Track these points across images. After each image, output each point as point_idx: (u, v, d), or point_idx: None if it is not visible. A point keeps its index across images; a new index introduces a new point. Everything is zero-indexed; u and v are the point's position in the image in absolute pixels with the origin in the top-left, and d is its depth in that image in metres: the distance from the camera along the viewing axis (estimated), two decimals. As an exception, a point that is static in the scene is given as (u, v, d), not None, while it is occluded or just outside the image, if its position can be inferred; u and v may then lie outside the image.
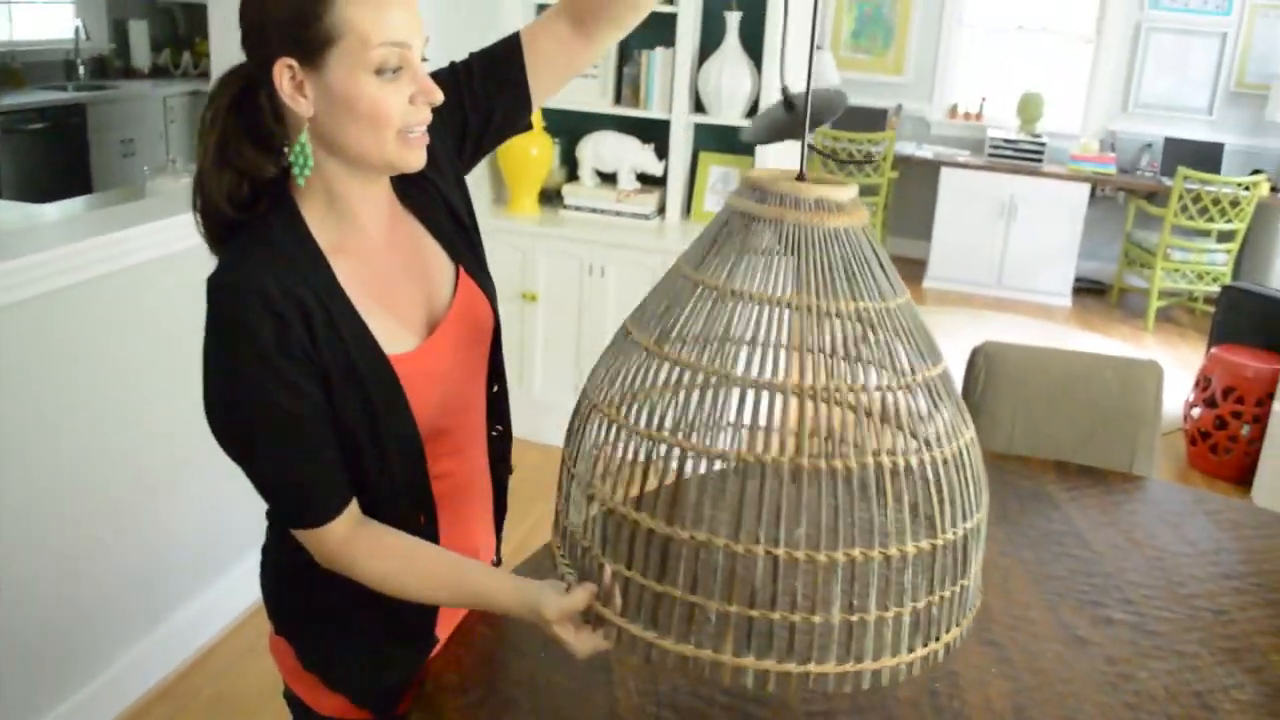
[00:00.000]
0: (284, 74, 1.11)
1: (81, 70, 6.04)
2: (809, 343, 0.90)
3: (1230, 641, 1.49)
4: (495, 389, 1.39)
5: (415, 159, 1.18)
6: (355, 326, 1.17)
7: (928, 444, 0.93)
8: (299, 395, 1.12)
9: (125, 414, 2.41)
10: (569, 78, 1.40)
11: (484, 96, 1.35)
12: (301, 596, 1.32)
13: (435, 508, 1.30)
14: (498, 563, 1.51)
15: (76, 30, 6.05)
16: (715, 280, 0.95)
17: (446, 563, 1.20)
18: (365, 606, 1.23)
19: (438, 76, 1.27)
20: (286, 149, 1.17)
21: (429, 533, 1.28)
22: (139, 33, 6.42)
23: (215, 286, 1.12)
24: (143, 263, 2.38)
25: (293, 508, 1.17)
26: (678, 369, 0.95)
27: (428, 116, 1.17)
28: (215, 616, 2.79)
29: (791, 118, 1.13)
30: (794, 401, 0.90)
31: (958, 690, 1.34)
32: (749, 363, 0.92)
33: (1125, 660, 1.43)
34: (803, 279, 0.91)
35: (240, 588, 2.85)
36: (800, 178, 0.98)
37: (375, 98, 1.11)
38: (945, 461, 0.93)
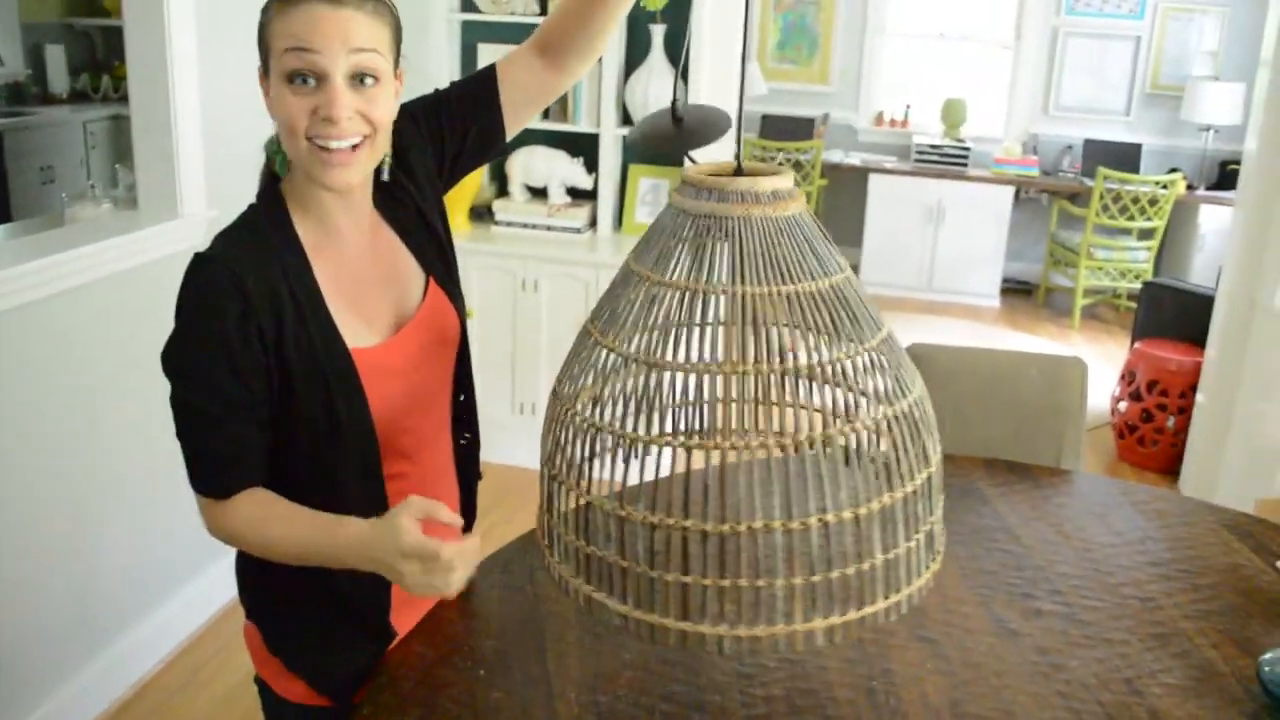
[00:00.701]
0: (261, 81, 1.23)
1: (-4, 97, 5.90)
2: (804, 324, 0.98)
3: (1157, 627, 1.53)
4: (462, 398, 1.47)
5: (330, 177, 1.21)
6: (323, 319, 1.25)
7: (908, 391, 1.02)
8: (238, 382, 1.19)
9: (45, 449, 2.35)
10: (542, 105, 1.49)
11: (460, 120, 1.43)
12: (269, 582, 1.36)
13: (389, 507, 1.31)
14: None
15: (-11, 57, 5.92)
16: (697, 285, 1.00)
17: (306, 509, 1.23)
18: (323, 594, 1.28)
19: (421, 101, 1.42)
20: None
21: None
22: (56, 58, 6.27)
23: (198, 259, 1.21)
24: (62, 291, 2.32)
25: (197, 471, 1.24)
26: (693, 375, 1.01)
27: (333, 133, 1.19)
28: (151, 650, 2.73)
29: (675, 133, 1.17)
30: (803, 382, 0.99)
31: (894, 688, 1.36)
32: (760, 348, 0.97)
33: (1057, 650, 1.46)
34: (779, 268, 0.98)
35: (176, 620, 2.79)
36: (738, 169, 1.04)
37: (285, 103, 1.19)
38: (920, 400, 1.03)
